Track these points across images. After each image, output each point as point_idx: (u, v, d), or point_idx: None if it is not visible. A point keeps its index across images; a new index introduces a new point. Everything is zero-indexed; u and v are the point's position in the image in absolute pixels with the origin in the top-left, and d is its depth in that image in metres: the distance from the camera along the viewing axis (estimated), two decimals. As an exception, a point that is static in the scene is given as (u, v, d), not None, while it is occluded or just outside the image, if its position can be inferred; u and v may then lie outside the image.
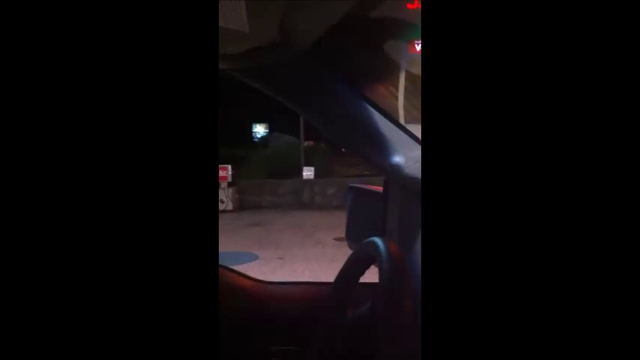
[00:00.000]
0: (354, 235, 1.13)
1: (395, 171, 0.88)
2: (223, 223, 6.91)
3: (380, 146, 0.91)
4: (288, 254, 4.71)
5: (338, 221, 5.82)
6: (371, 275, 0.79)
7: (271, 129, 11.01)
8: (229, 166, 8.25)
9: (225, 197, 8.05)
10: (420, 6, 0.45)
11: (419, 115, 0.45)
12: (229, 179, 8.22)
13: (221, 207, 7.97)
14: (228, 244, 5.26)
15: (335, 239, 5.17)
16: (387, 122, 0.90)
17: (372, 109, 0.89)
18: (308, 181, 8.43)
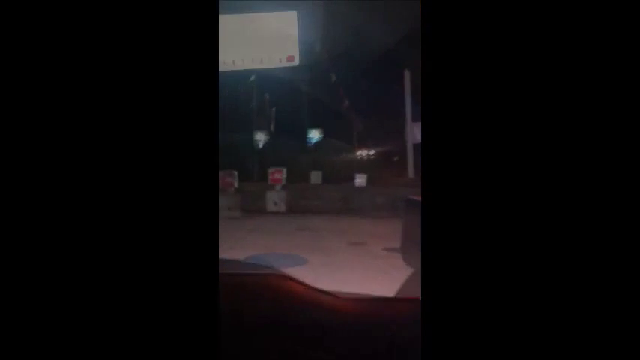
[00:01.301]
0: (409, 248, 1.13)
1: None
2: (275, 225, 7.12)
3: None
4: (336, 261, 4.76)
5: (387, 230, 5.73)
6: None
7: (324, 134, 11.14)
8: (284, 170, 8.47)
9: (279, 200, 8.27)
10: None
11: None
12: (283, 182, 8.43)
13: (274, 209, 8.20)
14: (280, 246, 5.42)
15: (384, 249, 5.14)
16: None
17: None
18: (358, 188, 8.43)
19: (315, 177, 8.67)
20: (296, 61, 9.02)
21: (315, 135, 11.60)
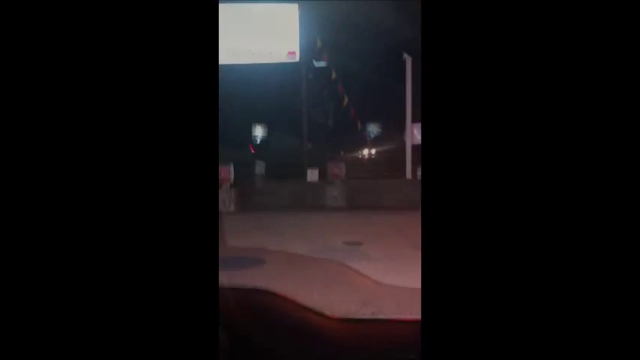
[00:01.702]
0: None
1: None
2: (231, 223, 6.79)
3: None
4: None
5: (341, 222, 5.69)
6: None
7: (271, 130, 10.93)
8: (231, 166, 8.10)
9: (228, 199, 7.90)
10: None
11: None
12: (231, 180, 8.05)
13: (223, 208, 7.82)
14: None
15: (344, 243, 5.08)
16: None
17: None
18: (311, 183, 8.33)
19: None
20: (297, 57, 8.73)
21: (259, 132, 11.34)
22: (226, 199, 7.86)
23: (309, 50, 9.11)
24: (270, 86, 9.37)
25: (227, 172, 8.02)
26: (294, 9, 8.85)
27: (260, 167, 8.35)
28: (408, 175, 8.63)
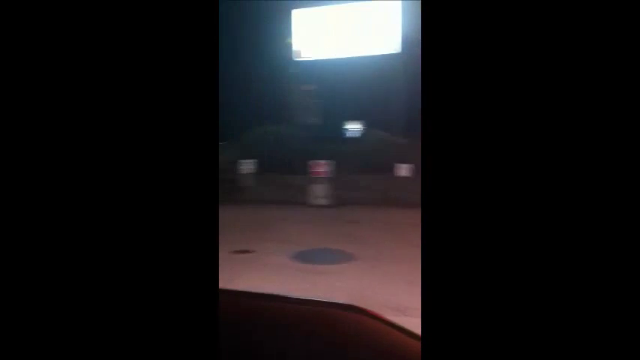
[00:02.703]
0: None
1: None
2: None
3: None
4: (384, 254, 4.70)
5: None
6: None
7: (365, 125, 11.03)
8: (325, 162, 8.33)
9: (322, 192, 8.24)
10: None
11: None
12: (330, 174, 8.27)
13: (318, 202, 8.15)
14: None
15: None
16: None
17: None
18: (401, 178, 8.27)
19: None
20: (397, 49, 8.92)
21: (351, 127, 11.40)
22: (323, 194, 8.21)
23: (410, 41, 8.88)
24: (368, 79, 9.38)
25: (325, 167, 8.21)
26: (397, 6, 8.84)
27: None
28: None
